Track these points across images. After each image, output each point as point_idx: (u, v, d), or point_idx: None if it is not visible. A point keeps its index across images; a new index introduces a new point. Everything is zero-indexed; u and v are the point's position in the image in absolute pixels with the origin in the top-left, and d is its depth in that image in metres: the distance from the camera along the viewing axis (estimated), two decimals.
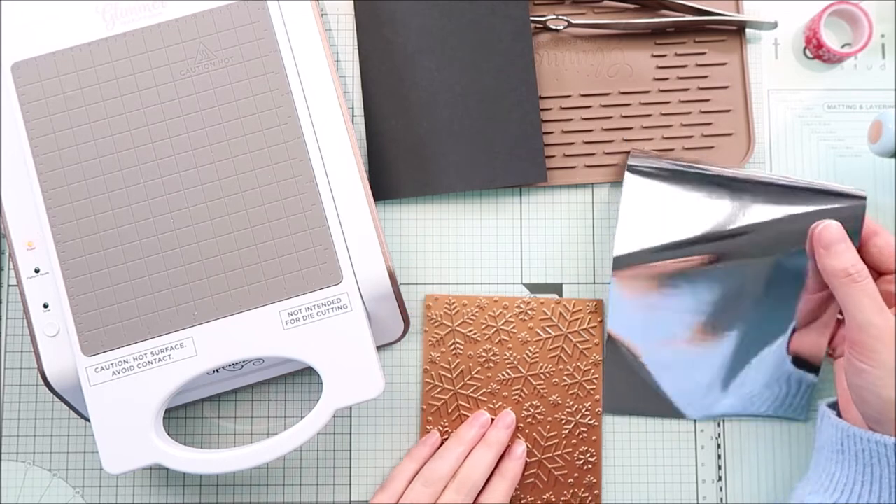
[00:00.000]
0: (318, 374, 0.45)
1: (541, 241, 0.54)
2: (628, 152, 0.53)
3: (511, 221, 0.54)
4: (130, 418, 0.44)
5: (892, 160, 0.53)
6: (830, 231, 0.45)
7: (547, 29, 0.54)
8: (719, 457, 0.53)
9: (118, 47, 0.47)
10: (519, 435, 0.52)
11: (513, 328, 0.52)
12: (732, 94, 0.54)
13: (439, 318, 0.52)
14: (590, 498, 0.51)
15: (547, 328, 0.52)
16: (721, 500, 0.53)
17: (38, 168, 0.46)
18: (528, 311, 0.52)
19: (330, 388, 0.45)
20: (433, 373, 0.52)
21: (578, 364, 0.52)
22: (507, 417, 0.51)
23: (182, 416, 0.53)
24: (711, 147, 0.54)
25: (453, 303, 0.52)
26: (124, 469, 0.44)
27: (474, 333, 0.52)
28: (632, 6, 0.54)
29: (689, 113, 0.54)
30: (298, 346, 0.45)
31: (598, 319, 0.52)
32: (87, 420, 0.48)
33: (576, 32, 0.55)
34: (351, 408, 0.53)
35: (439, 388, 0.52)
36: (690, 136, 0.54)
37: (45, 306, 0.46)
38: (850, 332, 0.44)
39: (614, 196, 0.54)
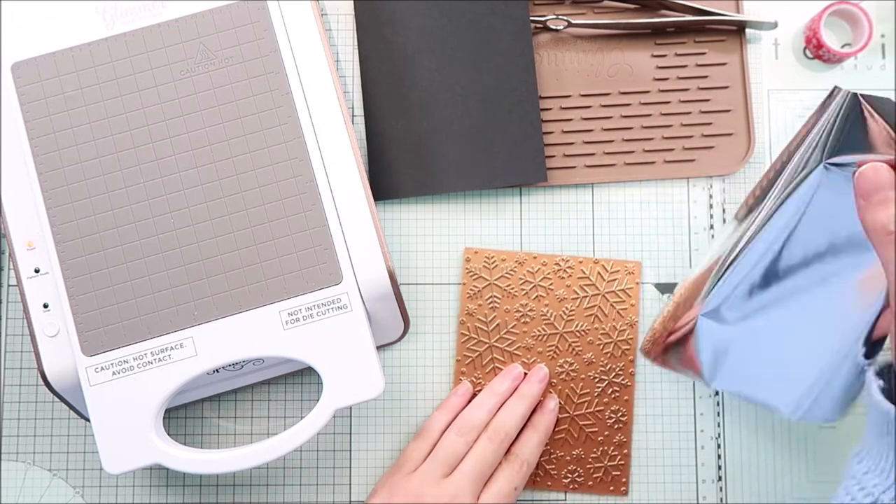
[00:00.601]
0: (318, 374, 0.45)
1: (541, 241, 0.54)
2: (631, 152, 0.54)
3: (511, 221, 0.54)
4: (130, 418, 0.44)
5: None
6: (871, 176, 0.39)
7: (547, 29, 0.54)
8: (719, 457, 0.53)
9: (118, 47, 0.47)
10: (551, 390, 0.52)
11: (550, 285, 0.53)
12: (732, 94, 0.54)
13: (478, 272, 0.53)
14: (619, 456, 0.52)
15: (584, 286, 0.53)
16: (721, 500, 0.53)
17: (38, 168, 0.46)
18: (567, 269, 0.53)
19: (330, 388, 0.45)
20: (469, 325, 0.52)
21: (614, 324, 0.52)
22: (541, 372, 0.52)
23: (182, 416, 0.53)
24: (711, 147, 0.54)
25: (492, 257, 0.53)
26: (124, 469, 0.44)
27: (512, 288, 0.53)
28: (632, 6, 0.54)
29: (689, 113, 0.54)
30: (298, 346, 0.45)
31: (636, 281, 0.53)
32: (87, 420, 0.48)
33: (576, 32, 0.55)
34: (351, 408, 0.53)
35: (474, 340, 0.52)
36: (690, 136, 0.54)
37: (45, 306, 0.46)
38: (893, 294, 0.39)
39: (615, 196, 0.54)
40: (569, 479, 0.52)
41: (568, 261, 0.53)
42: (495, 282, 0.53)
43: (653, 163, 0.54)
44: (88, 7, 0.47)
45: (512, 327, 0.52)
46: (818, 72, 0.55)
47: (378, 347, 0.51)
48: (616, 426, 0.52)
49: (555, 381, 0.52)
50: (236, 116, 0.46)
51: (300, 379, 0.53)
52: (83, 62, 0.47)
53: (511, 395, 0.51)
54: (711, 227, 0.54)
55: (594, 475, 0.52)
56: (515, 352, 0.52)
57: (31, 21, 0.47)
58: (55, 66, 0.47)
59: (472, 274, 0.53)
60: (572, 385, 0.52)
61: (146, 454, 0.44)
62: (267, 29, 0.47)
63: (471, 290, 0.53)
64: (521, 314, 0.52)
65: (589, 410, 0.52)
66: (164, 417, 0.50)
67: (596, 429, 0.52)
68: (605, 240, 0.54)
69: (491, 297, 0.53)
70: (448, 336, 0.53)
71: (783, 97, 0.55)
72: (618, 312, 0.53)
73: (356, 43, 0.54)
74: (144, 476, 0.52)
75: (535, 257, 0.53)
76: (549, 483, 0.52)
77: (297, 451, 0.52)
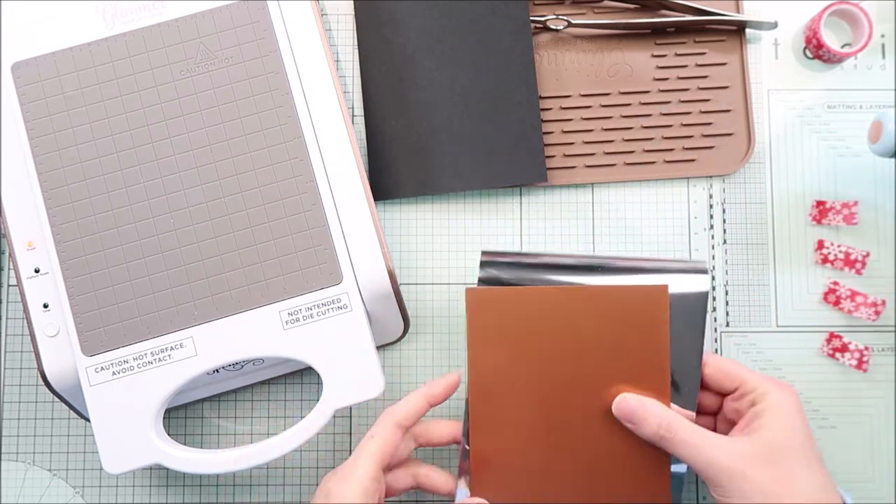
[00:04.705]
0: (318, 374, 0.45)
1: (541, 240, 0.54)
2: (631, 152, 0.54)
3: (511, 221, 0.54)
4: (130, 418, 0.44)
5: (892, 160, 0.53)
6: (624, 405, 0.46)
7: (547, 29, 0.54)
8: None
9: (118, 47, 0.47)
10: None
11: (570, 322, 0.47)
12: (732, 94, 0.54)
13: (485, 319, 0.47)
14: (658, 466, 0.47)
15: (607, 320, 0.47)
16: None
17: (38, 168, 0.46)
18: (586, 302, 0.46)
19: (330, 388, 0.45)
20: (481, 382, 0.47)
21: (643, 356, 0.46)
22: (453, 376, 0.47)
23: (182, 416, 0.53)
24: (711, 147, 0.54)
25: (498, 298, 0.47)
26: (124, 469, 0.44)
27: (526, 333, 0.47)
28: (632, 6, 0.54)
29: (689, 113, 0.54)
30: (298, 346, 0.45)
31: (663, 307, 0.46)
32: (87, 420, 0.48)
33: (576, 32, 0.55)
34: (351, 408, 0.53)
35: (490, 400, 0.47)
36: (690, 136, 0.54)
37: (45, 306, 0.46)
38: (700, 475, 0.44)
39: (615, 196, 0.54)
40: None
41: (586, 291, 0.47)
42: (506, 326, 0.46)
43: (653, 163, 0.54)
44: (88, 7, 0.47)
45: (532, 372, 0.47)
46: (818, 72, 0.55)
47: (378, 347, 0.51)
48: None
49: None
50: (236, 116, 0.46)
51: (300, 379, 0.53)
52: (83, 62, 0.47)
53: None
54: (711, 227, 0.54)
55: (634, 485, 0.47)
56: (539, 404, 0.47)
57: (31, 21, 0.47)
58: (55, 66, 0.47)
59: (477, 320, 0.46)
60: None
61: (146, 454, 0.44)
62: (267, 29, 0.47)
63: (478, 336, 0.47)
64: (541, 357, 0.47)
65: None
66: (164, 417, 0.50)
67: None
68: (605, 240, 0.54)
69: (502, 343, 0.47)
70: (448, 336, 0.53)
71: (783, 97, 0.55)
72: (646, 341, 0.46)
73: (356, 43, 0.54)
74: (144, 476, 0.52)
75: (549, 292, 0.47)
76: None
77: (297, 451, 0.52)
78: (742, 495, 0.42)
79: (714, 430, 0.48)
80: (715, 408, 0.48)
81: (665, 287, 0.46)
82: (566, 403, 0.47)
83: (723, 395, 0.47)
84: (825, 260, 0.53)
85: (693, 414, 0.46)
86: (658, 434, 0.44)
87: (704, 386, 0.47)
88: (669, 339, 0.46)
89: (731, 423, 0.46)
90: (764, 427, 0.43)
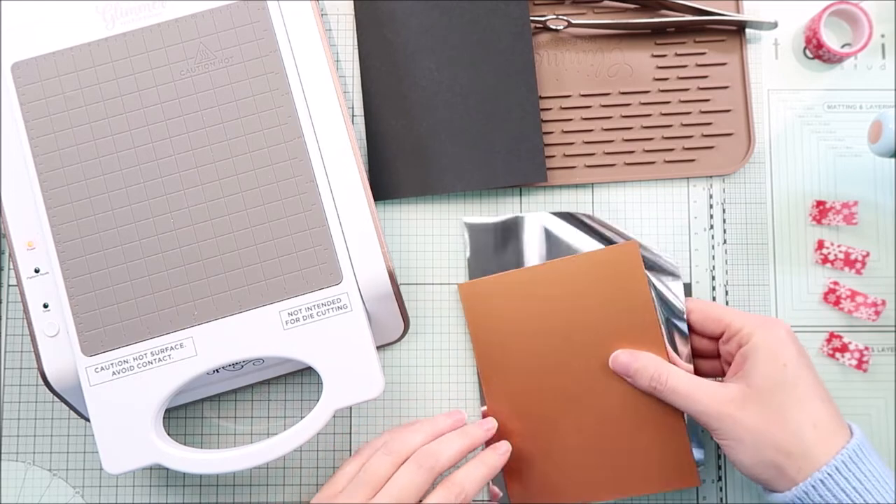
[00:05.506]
0: (318, 374, 0.45)
1: None
2: (639, 152, 0.54)
3: None
4: (130, 418, 0.44)
5: (892, 160, 0.53)
6: (619, 361, 0.49)
7: (547, 29, 0.54)
8: (719, 457, 0.53)
9: (118, 47, 0.47)
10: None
11: (556, 293, 0.50)
12: (732, 94, 0.54)
13: (478, 306, 0.51)
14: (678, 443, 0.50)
15: (589, 282, 0.50)
16: (721, 500, 0.53)
17: (38, 168, 0.46)
18: (566, 272, 0.50)
19: (330, 388, 0.45)
20: (487, 361, 0.51)
21: (630, 312, 0.50)
22: (490, 422, 0.50)
23: (182, 416, 0.53)
24: (711, 147, 0.54)
25: (487, 287, 0.51)
26: (124, 469, 0.44)
27: (518, 311, 0.51)
28: (632, 6, 0.54)
29: (689, 113, 0.54)
30: (298, 346, 0.45)
31: (638, 261, 0.50)
32: (87, 420, 0.48)
33: (576, 32, 0.55)
34: (351, 408, 0.53)
35: (498, 376, 0.51)
36: (690, 136, 0.54)
37: (45, 306, 0.46)
38: (695, 420, 0.47)
39: (615, 196, 0.54)
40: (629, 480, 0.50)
41: (564, 262, 0.51)
42: (499, 311, 0.51)
43: (653, 163, 0.54)
44: (88, 7, 0.47)
45: (532, 349, 0.51)
46: (818, 72, 0.55)
47: (378, 347, 0.51)
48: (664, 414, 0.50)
49: (594, 382, 0.50)
50: (236, 116, 0.46)
51: (300, 379, 0.53)
52: (83, 62, 0.47)
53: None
54: (711, 227, 0.54)
55: (658, 470, 0.50)
56: (541, 370, 0.51)
57: (31, 21, 0.47)
58: (55, 66, 0.47)
59: (473, 311, 0.52)
60: (609, 381, 0.50)
61: (146, 454, 0.44)
62: (267, 29, 0.47)
63: (477, 326, 0.51)
64: (537, 333, 0.50)
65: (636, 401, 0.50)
66: (164, 417, 0.50)
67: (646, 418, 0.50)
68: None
69: (499, 327, 0.51)
70: (448, 336, 0.53)
71: (783, 97, 0.55)
72: (630, 298, 0.50)
73: (356, 43, 0.54)
74: (144, 476, 0.52)
75: (529, 271, 0.51)
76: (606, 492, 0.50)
77: (297, 451, 0.52)
78: (733, 435, 0.44)
79: (721, 372, 0.50)
80: (716, 351, 0.50)
81: (635, 242, 0.50)
82: (574, 370, 0.50)
83: (715, 338, 0.49)
84: (825, 260, 0.53)
85: (690, 367, 0.49)
86: (651, 386, 0.48)
87: (693, 333, 0.50)
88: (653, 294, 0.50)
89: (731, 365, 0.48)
90: (751, 368, 0.45)
